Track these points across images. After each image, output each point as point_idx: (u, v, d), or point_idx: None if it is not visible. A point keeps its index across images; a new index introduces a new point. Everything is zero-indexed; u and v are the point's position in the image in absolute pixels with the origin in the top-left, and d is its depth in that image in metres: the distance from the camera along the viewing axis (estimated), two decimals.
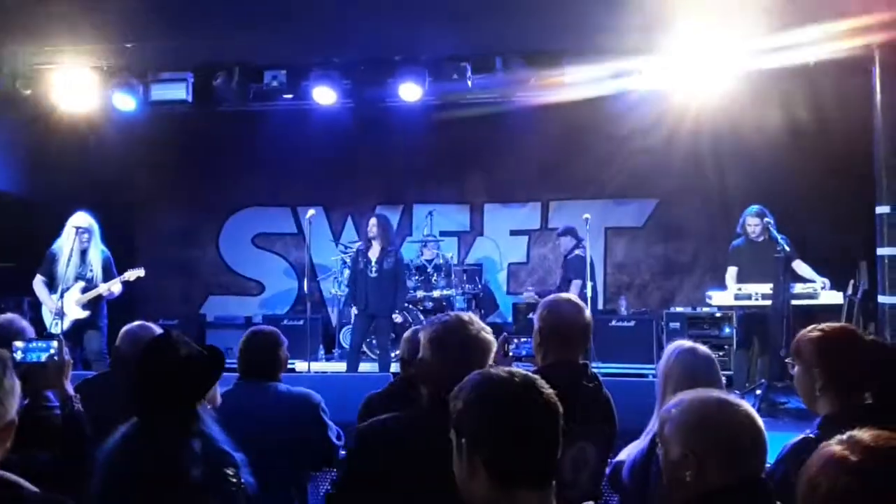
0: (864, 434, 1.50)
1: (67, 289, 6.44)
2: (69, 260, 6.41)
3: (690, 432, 1.82)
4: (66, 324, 6.44)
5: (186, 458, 2.23)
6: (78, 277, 6.45)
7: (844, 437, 1.51)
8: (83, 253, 6.49)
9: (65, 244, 6.43)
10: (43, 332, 6.43)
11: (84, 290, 6.43)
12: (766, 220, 6.90)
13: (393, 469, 2.12)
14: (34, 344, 2.93)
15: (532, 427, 1.63)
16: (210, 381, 2.47)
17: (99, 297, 6.56)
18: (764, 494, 1.83)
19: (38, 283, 6.47)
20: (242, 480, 2.31)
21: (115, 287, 6.55)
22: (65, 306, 6.40)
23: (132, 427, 2.36)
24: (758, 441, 1.81)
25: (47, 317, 6.48)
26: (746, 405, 1.88)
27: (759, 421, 1.82)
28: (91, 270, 6.49)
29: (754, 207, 7.06)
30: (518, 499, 1.61)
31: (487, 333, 2.33)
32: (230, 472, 2.27)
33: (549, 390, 1.68)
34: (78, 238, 6.42)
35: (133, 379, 2.41)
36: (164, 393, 2.35)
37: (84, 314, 6.43)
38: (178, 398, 2.35)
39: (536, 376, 1.72)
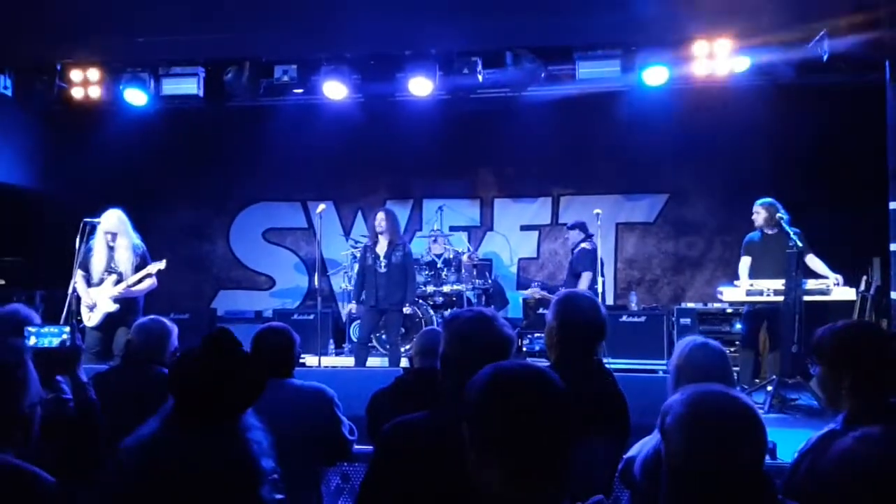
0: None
1: (98, 283, 6.60)
2: (98, 257, 6.61)
3: (689, 424, 1.81)
4: (99, 317, 6.57)
5: (247, 449, 2.18)
6: (109, 272, 6.60)
7: (858, 433, 1.52)
8: (111, 250, 6.64)
9: (97, 242, 6.63)
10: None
11: (115, 284, 6.57)
12: (778, 215, 6.90)
13: (421, 467, 2.11)
14: (46, 329, 2.93)
15: (542, 419, 1.62)
16: (263, 385, 2.32)
17: (133, 294, 6.68)
18: (764, 485, 1.83)
19: (79, 277, 6.61)
20: (278, 471, 2.27)
21: (146, 282, 6.67)
22: (97, 300, 6.56)
23: (173, 420, 2.23)
24: (755, 433, 1.80)
25: (84, 310, 6.64)
26: (746, 398, 1.88)
27: (758, 413, 1.83)
28: (120, 266, 6.60)
29: (764, 199, 7.10)
30: (528, 490, 1.61)
31: (509, 330, 2.34)
32: (260, 479, 2.22)
33: (560, 382, 1.68)
34: (105, 239, 6.61)
35: (184, 375, 2.27)
36: (220, 395, 2.21)
37: (114, 307, 6.54)
38: (242, 397, 2.24)
39: (548, 369, 1.72)
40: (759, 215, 7.04)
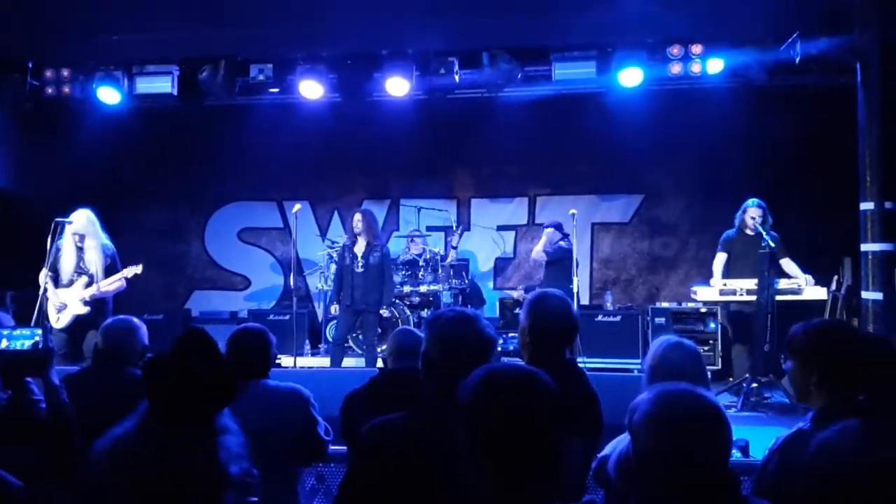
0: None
1: (67, 284, 6.49)
2: (67, 257, 6.48)
3: (654, 421, 1.83)
4: (68, 319, 6.46)
5: (214, 454, 2.18)
6: (79, 273, 6.49)
7: (838, 426, 1.54)
8: (80, 251, 6.51)
9: (65, 242, 6.50)
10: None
11: (87, 286, 6.46)
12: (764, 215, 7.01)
13: (400, 468, 2.11)
14: (18, 331, 2.89)
15: (534, 420, 1.65)
16: (235, 388, 2.33)
17: (101, 295, 6.57)
18: (729, 482, 1.85)
19: (45, 277, 6.49)
20: (253, 473, 2.27)
21: (115, 284, 6.56)
22: (67, 301, 6.45)
23: (147, 421, 2.21)
24: (720, 430, 1.83)
25: (52, 311, 6.51)
26: (711, 396, 1.90)
27: (723, 411, 1.86)
28: (91, 267, 6.49)
29: (755, 200, 7.10)
30: (521, 491, 1.63)
31: (491, 330, 2.34)
32: (243, 467, 2.23)
33: (551, 384, 1.71)
34: (73, 239, 6.49)
35: (155, 377, 2.25)
36: (191, 398, 2.20)
37: (84, 310, 6.43)
38: (215, 399, 2.24)
39: (539, 370, 1.74)
40: (759, 217, 6.95)
